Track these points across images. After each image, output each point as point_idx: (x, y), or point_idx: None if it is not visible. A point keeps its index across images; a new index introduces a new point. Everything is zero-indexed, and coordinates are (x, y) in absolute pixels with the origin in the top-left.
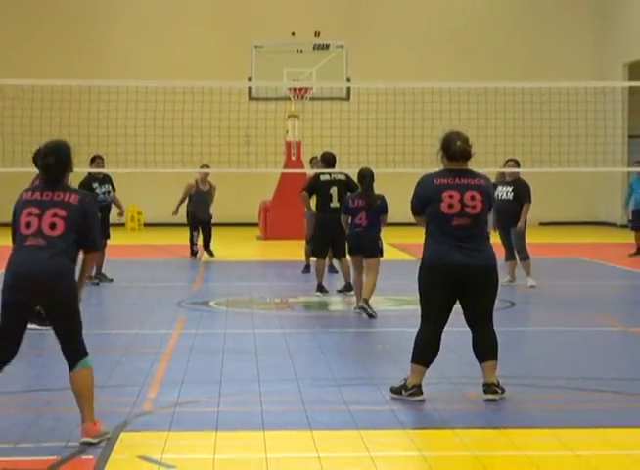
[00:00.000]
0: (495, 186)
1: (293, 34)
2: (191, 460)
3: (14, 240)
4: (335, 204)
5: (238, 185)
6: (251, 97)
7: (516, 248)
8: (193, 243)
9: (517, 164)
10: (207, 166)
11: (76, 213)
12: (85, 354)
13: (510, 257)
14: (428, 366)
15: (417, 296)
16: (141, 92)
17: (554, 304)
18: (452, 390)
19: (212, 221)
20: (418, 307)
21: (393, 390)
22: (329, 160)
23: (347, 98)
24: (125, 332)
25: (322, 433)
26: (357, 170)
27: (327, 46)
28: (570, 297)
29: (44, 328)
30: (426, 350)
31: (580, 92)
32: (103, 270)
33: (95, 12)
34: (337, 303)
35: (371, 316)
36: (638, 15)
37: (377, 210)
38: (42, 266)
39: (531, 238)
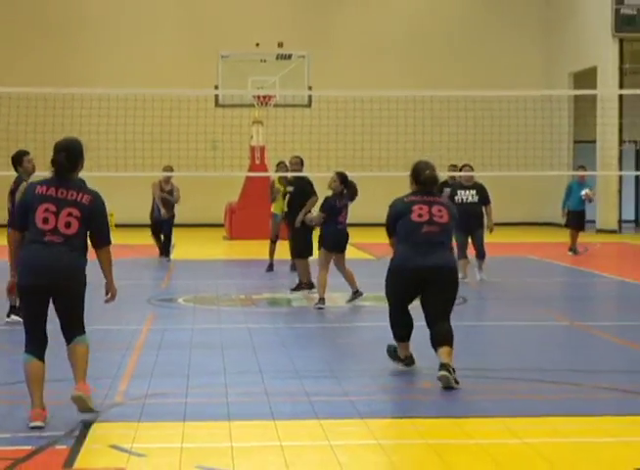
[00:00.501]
0: (455, 191)
1: (257, 45)
2: (160, 449)
3: (19, 226)
4: (286, 209)
5: (205, 188)
6: (217, 104)
7: (480, 247)
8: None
9: (471, 169)
10: (171, 168)
11: (88, 213)
12: (84, 331)
13: (462, 255)
14: (408, 340)
15: (375, 293)
16: (112, 99)
17: (504, 300)
18: (408, 381)
19: (176, 222)
20: (375, 304)
21: (388, 350)
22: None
23: (309, 105)
24: (98, 328)
25: (284, 423)
26: (318, 174)
27: (289, 56)
28: (518, 293)
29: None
30: (401, 328)
31: (529, 100)
32: None
33: (69, 24)
34: (299, 299)
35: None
36: (582, 28)
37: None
38: (60, 260)
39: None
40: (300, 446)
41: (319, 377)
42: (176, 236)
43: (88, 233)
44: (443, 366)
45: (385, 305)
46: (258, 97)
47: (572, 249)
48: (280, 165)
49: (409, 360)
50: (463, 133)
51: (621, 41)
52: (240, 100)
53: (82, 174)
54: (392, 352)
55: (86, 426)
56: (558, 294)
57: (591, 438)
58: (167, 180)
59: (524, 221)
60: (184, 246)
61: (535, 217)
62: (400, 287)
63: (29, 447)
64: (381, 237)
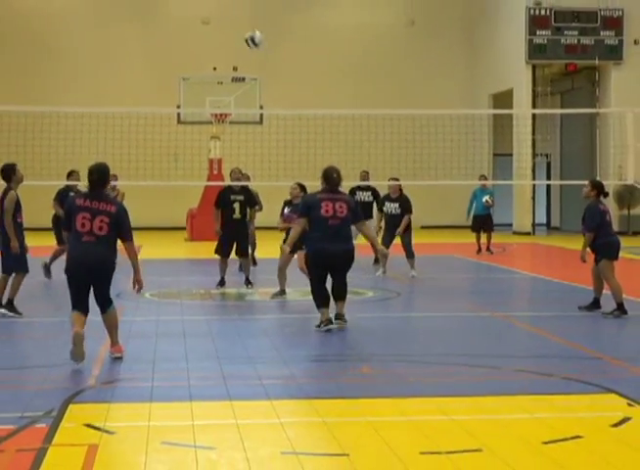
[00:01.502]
0: (384, 202)
1: (214, 69)
2: (129, 427)
3: (67, 228)
4: (237, 215)
5: (168, 195)
6: (179, 121)
7: (408, 248)
8: None
9: (397, 180)
10: (115, 176)
11: (115, 219)
12: (111, 302)
13: (410, 254)
14: (328, 307)
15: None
16: (86, 117)
17: (432, 293)
18: (349, 366)
19: (143, 225)
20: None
21: (317, 325)
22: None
23: (261, 122)
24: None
25: (239, 403)
26: (269, 183)
27: (243, 79)
28: (444, 287)
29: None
30: (321, 298)
31: (454, 118)
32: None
33: (44, 50)
34: (251, 294)
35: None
36: (501, 55)
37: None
38: (94, 255)
39: (414, 238)
40: (254, 423)
41: (270, 362)
42: (143, 238)
43: (114, 234)
44: (338, 316)
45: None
46: (216, 115)
47: (488, 249)
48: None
49: (328, 323)
50: (397, 147)
51: (534, 67)
52: (199, 118)
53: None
54: (317, 326)
55: (63, 407)
56: (479, 288)
57: (508, 414)
58: (112, 187)
59: (451, 224)
60: (150, 247)
61: (461, 221)
62: (316, 264)
63: (11, 427)
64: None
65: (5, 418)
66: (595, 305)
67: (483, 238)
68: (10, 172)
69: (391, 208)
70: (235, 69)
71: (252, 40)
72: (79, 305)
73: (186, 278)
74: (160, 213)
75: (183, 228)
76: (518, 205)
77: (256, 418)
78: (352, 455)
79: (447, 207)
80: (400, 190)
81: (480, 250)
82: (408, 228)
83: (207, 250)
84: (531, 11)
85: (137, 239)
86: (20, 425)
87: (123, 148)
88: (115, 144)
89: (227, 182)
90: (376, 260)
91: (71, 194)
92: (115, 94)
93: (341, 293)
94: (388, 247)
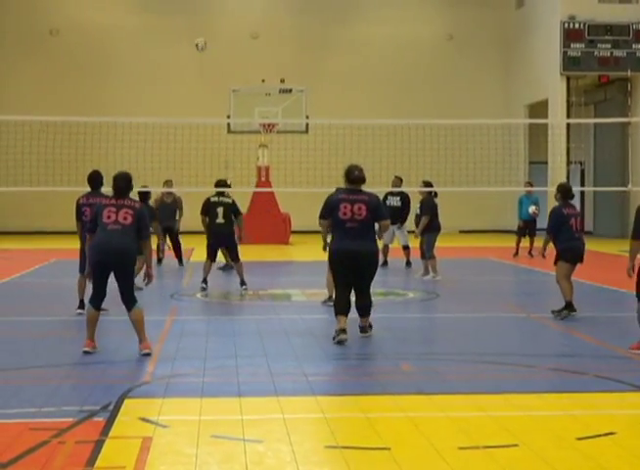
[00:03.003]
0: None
1: (263, 81)
2: (181, 421)
3: (92, 230)
4: (220, 220)
5: None
6: (229, 131)
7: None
8: (160, 249)
9: (426, 185)
10: (170, 182)
11: (138, 213)
12: (136, 301)
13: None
14: (346, 315)
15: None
16: (142, 127)
17: (470, 295)
18: (392, 364)
19: (195, 230)
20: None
21: (333, 337)
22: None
23: (306, 131)
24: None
25: (286, 398)
26: (314, 190)
27: (290, 90)
28: (481, 289)
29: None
30: (340, 305)
31: (491, 127)
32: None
33: (104, 63)
34: (297, 295)
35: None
36: (536, 67)
37: None
38: (118, 241)
39: (452, 242)
40: (299, 418)
41: (315, 360)
42: (195, 242)
43: (135, 228)
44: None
45: (381, 300)
46: (264, 125)
47: (530, 252)
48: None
49: (341, 332)
50: (436, 155)
51: (568, 78)
52: (248, 127)
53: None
54: (334, 336)
55: (119, 401)
56: (515, 290)
57: (543, 411)
58: (167, 193)
59: (487, 229)
60: (202, 250)
61: (497, 225)
62: (338, 266)
63: (71, 420)
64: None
65: (66, 411)
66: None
67: (524, 242)
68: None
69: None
70: (282, 80)
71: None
72: (98, 296)
73: (236, 279)
74: None
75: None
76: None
77: (302, 413)
78: (393, 449)
79: (484, 212)
80: (428, 193)
81: (517, 253)
82: (427, 230)
83: (256, 252)
84: (566, 24)
85: (190, 243)
86: (79, 418)
87: (177, 156)
88: (169, 153)
89: (274, 188)
90: (407, 263)
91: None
92: (169, 105)
93: (365, 309)
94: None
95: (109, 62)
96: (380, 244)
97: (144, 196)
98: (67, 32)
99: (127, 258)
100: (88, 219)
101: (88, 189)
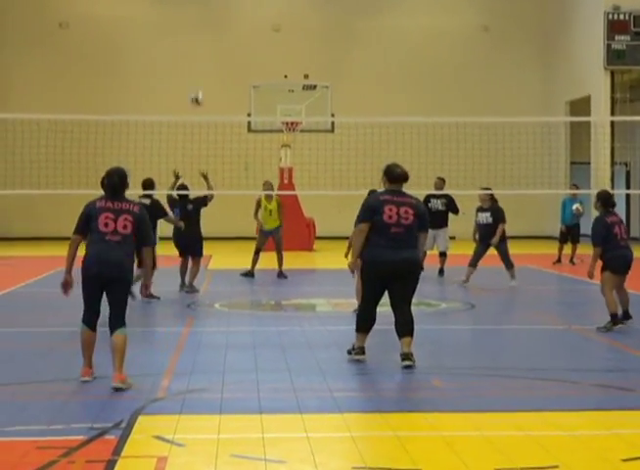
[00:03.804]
0: (477, 213)
1: (285, 77)
2: (198, 439)
3: (80, 232)
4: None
5: (239, 205)
6: (250, 130)
7: (505, 258)
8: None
9: (488, 190)
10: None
11: (138, 218)
12: (124, 324)
13: (472, 263)
14: (367, 333)
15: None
16: (156, 125)
17: (507, 305)
18: (422, 379)
19: (212, 235)
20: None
21: (348, 351)
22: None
23: (332, 130)
24: (144, 329)
25: (310, 416)
26: (340, 192)
27: (314, 86)
28: (520, 299)
29: None
30: (365, 322)
31: (530, 126)
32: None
33: (116, 58)
34: (321, 305)
35: None
36: (578, 61)
37: None
38: (117, 254)
39: (490, 250)
40: (325, 437)
41: (341, 374)
42: (213, 248)
43: (135, 235)
44: (406, 356)
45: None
46: (286, 123)
47: (572, 260)
48: (266, 184)
49: (359, 351)
50: (470, 156)
51: (612, 73)
52: (270, 126)
53: (130, 192)
54: (348, 351)
55: (132, 418)
56: (555, 300)
57: (585, 430)
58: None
59: (525, 235)
60: (220, 257)
61: (536, 231)
62: (375, 278)
63: (82, 437)
64: None
65: (75, 429)
66: (625, 316)
67: (566, 249)
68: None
69: (482, 217)
70: (306, 76)
71: (196, 100)
72: (91, 315)
73: (256, 288)
74: (229, 223)
75: (253, 238)
76: (596, 215)
77: (327, 431)
78: None
79: (522, 216)
80: (492, 199)
81: (559, 260)
82: (504, 238)
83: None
84: (610, 15)
85: (208, 249)
86: (89, 436)
87: (194, 157)
88: (186, 152)
89: (297, 191)
90: (440, 271)
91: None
92: (185, 103)
93: (406, 327)
94: (479, 258)
95: (121, 56)
96: None
97: (183, 198)
98: (77, 25)
99: (125, 271)
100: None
101: (100, 192)
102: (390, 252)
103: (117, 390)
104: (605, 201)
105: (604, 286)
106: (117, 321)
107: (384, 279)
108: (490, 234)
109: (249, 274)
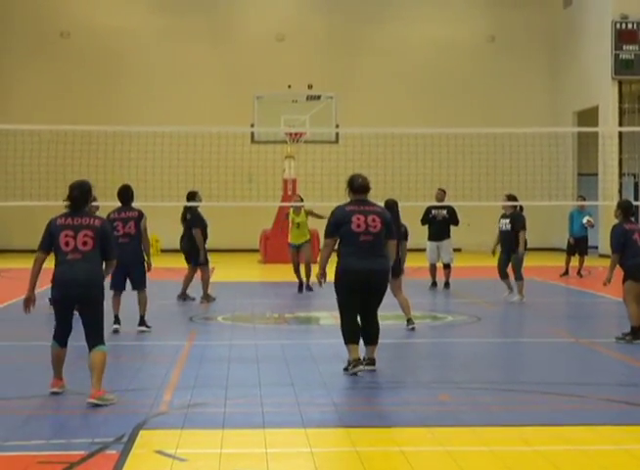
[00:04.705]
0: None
1: (289, 87)
2: (201, 454)
3: (43, 249)
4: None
5: (242, 216)
6: (253, 140)
7: (514, 269)
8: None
9: (509, 198)
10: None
11: (99, 232)
12: (102, 342)
13: (502, 275)
14: (358, 343)
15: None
16: (158, 136)
17: (513, 318)
18: (428, 394)
19: (215, 247)
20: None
21: (344, 369)
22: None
23: (336, 141)
24: (146, 343)
25: (314, 430)
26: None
27: (318, 97)
28: (527, 312)
29: None
30: (351, 333)
31: (537, 136)
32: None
33: (118, 67)
34: (326, 318)
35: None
36: (585, 71)
37: (402, 236)
38: (81, 272)
39: (494, 261)
40: (329, 452)
41: (345, 389)
42: (216, 260)
43: (99, 250)
44: (370, 361)
45: (416, 324)
46: (290, 134)
47: (579, 272)
48: (296, 197)
49: (356, 363)
50: (477, 166)
51: (620, 83)
52: (273, 137)
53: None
54: (345, 368)
55: (133, 433)
56: (563, 313)
57: (594, 446)
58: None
59: (532, 247)
60: (223, 269)
61: (543, 243)
62: (348, 288)
63: (83, 452)
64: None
65: (76, 444)
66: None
67: (573, 261)
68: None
69: (502, 224)
70: (310, 86)
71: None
72: (62, 333)
73: (259, 301)
74: (232, 235)
75: (256, 250)
76: (604, 227)
77: (331, 446)
78: None
79: (529, 228)
80: (516, 207)
81: (566, 272)
82: (516, 247)
83: (281, 272)
84: (618, 25)
85: (210, 260)
86: (90, 451)
87: (197, 168)
88: (188, 164)
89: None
90: (446, 284)
91: (187, 216)
92: (188, 113)
93: (372, 336)
94: (506, 266)
95: (122, 66)
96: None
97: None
98: (78, 35)
99: (94, 290)
100: (120, 233)
101: (104, 203)
102: (362, 260)
103: (95, 406)
104: (626, 209)
105: (627, 296)
106: (94, 340)
107: (357, 290)
108: (509, 241)
109: (302, 288)
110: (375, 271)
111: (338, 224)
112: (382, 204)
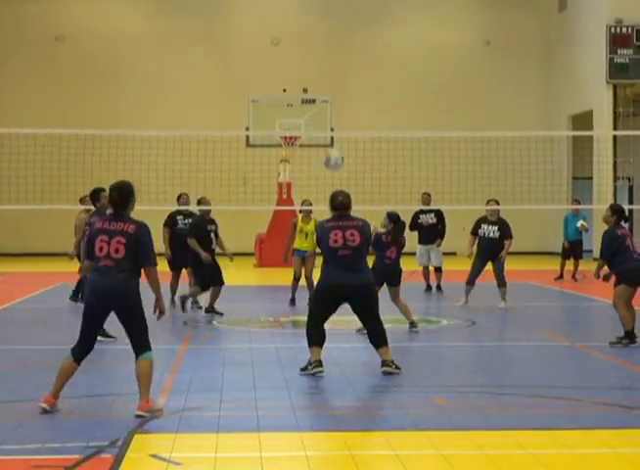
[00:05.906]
0: (480, 224)
1: (284, 90)
2: (196, 458)
3: (88, 255)
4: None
5: (237, 220)
6: (248, 144)
7: (499, 275)
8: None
9: (497, 203)
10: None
11: (132, 239)
12: (149, 348)
13: (470, 282)
14: (321, 347)
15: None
16: (153, 140)
17: (508, 322)
18: (423, 397)
19: None
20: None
21: (302, 369)
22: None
23: (331, 145)
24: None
25: (309, 434)
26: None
27: (313, 100)
28: (522, 316)
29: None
30: (316, 336)
31: (532, 140)
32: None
33: (113, 72)
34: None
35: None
36: (580, 75)
37: (402, 246)
38: (112, 281)
39: (488, 265)
40: (324, 455)
41: (341, 393)
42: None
43: (133, 257)
44: (385, 363)
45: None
46: (285, 138)
47: (574, 276)
48: (305, 203)
49: (317, 364)
50: (472, 170)
51: (615, 87)
52: (268, 140)
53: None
54: (304, 367)
55: (128, 437)
56: (557, 316)
57: (588, 449)
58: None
59: (526, 251)
60: (232, 273)
61: (537, 247)
62: (325, 302)
63: (77, 456)
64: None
65: (70, 447)
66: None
67: (568, 265)
68: (93, 198)
69: (489, 230)
70: (305, 90)
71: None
72: (82, 348)
73: (255, 305)
74: (227, 238)
75: (251, 254)
76: (598, 231)
77: (326, 450)
78: None
79: (522, 232)
80: (498, 212)
81: (561, 276)
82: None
83: (276, 276)
84: (612, 29)
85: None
86: (85, 455)
87: (191, 171)
88: (183, 167)
89: (297, 207)
90: (438, 287)
91: (178, 217)
92: (183, 117)
93: (379, 339)
94: (478, 274)
95: (118, 70)
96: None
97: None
98: (73, 39)
99: (129, 298)
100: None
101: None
102: (342, 274)
103: (139, 417)
104: (620, 214)
105: (617, 300)
106: (138, 346)
107: (337, 301)
108: (494, 248)
109: (294, 302)
110: (355, 286)
111: (318, 240)
112: (378, 207)
